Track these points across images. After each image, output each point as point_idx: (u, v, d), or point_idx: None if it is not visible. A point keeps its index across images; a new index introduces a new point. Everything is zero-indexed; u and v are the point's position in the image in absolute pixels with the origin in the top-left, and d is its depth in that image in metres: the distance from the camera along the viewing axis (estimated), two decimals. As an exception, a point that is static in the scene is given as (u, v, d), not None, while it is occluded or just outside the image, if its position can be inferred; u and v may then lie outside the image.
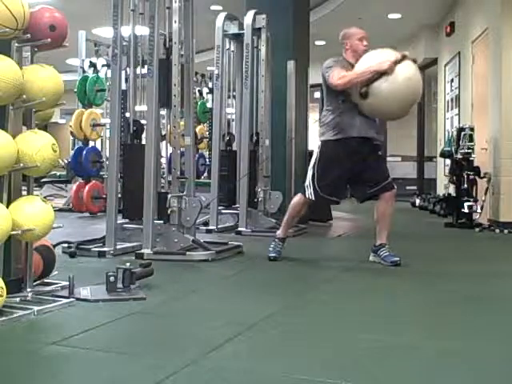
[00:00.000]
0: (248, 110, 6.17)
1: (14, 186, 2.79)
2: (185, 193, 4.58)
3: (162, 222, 4.50)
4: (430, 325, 2.71)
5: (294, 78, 6.78)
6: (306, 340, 2.44)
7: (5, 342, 2.35)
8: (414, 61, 4.13)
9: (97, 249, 4.42)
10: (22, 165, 2.66)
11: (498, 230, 6.36)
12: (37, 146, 2.69)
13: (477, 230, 6.51)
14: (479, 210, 6.88)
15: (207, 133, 9.18)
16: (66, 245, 4.46)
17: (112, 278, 3.08)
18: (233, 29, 6.51)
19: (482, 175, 6.89)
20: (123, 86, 4.88)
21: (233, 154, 6.45)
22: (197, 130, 8.26)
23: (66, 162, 9.09)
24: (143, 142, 4.68)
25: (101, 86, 7.69)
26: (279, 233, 4.49)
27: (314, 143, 9.49)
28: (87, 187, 7.60)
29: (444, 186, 8.71)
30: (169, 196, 4.50)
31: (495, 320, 2.81)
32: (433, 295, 3.33)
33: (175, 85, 4.54)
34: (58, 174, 10.22)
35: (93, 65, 7.88)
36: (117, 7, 4.52)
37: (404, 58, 4.02)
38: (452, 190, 7.57)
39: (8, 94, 2.59)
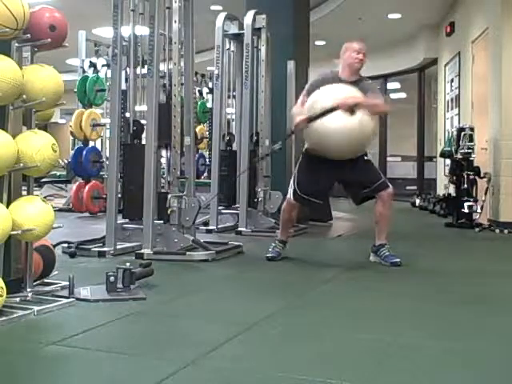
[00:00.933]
0: (248, 110, 6.17)
1: (14, 186, 2.79)
2: (185, 193, 4.58)
3: (161, 221, 4.50)
4: (430, 325, 2.71)
5: (293, 78, 6.78)
6: (306, 340, 2.44)
7: (5, 342, 2.35)
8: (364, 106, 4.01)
9: (97, 249, 4.42)
10: (21, 165, 2.65)
11: (498, 230, 6.36)
12: (37, 146, 2.69)
13: (477, 229, 6.51)
14: (479, 210, 6.88)
15: (207, 133, 9.18)
16: (66, 245, 4.46)
17: (112, 278, 3.08)
18: (233, 29, 6.51)
19: (482, 175, 6.89)
20: (123, 86, 4.88)
21: (233, 154, 6.45)
22: (197, 130, 8.26)
23: (66, 162, 9.09)
24: (143, 141, 4.68)
25: (101, 86, 7.70)
26: (279, 235, 4.50)
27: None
28: (87, 187, 7.59)
29: (444, 186, 8.71)
30: (169, 196, 4.50)
31: (495, 320, 2.81)
32: (433, 295, 3.33)
33: (175, 85, 4.54)
34: (58, 173, 10.21)
35: (93, 65, 7.88)
36: (117, 7, 4.52)
37: (335, 109, 3.93)
38: (452, 189, 7.57)
39: (8, 94, 2.59)
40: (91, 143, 8.01)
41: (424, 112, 12.29)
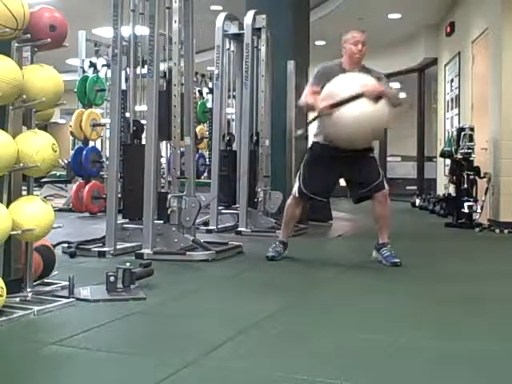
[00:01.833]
0: (248, 110, 6.17)
1: (14, 186, 2.79)
2: (185, 193, 4.58)
3: (161, 221, 4.50)
4: (429, 325, 2.71)
5: (293, 78, 6.78)
6: (306, 340, 2.44)
7: (5, 342, 2.35)
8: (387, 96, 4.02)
9: (97, 249, 4.42)
10: (22, 165, 2.65)
11: (498, 230, 6.35)
12: (37, 146, 2.69)
13: (477, 229, 6.51)
14: (479, 210, 6.88)
15: (207, 133, 9.18)
16: (66, 245, 4.46)
17: (112, 278, 3.08)
18: (233, 29, 6.51)
19: (482, 175, 6.89)
20: (123, 86, 4.88)
21: (233, 154, 6.45)
22: (197, 130, 8.26)
23: (66, 161, 9.09)
24: (143, 141, 4.68)
25: (101, 86, 7.70)
26: (280, 236, 4.51)
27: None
28: (87, 187, 7.60)
29: (444, 186, 8.71)
30: (169, 196, 4.49)
31: (495, 320, 2.81)
32: (433, 295, 3.33)
33: (175, 85, 4.54)
34: (58, 173, 10.22)
35: (93, 65, 7.88)
36: (117, 7, 4.52)
37: (360, 96, 3.91)
38: (452, 189, 7.57)
39: (8, 93, 2.59)
40: (91, 143, 8.02)
41: (424, 112, 12.29)
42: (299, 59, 6.90)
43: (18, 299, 2.76)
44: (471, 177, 6.91)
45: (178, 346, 2.33)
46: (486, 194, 6.90)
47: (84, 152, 7.60)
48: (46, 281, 3.15)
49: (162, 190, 4.83)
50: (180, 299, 3.16)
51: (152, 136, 4.43)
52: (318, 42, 10.67)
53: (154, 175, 4.40)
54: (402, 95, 14.31)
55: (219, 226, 6.11)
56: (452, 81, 9.74)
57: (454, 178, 7.21)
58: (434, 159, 11.13)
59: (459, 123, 8.29)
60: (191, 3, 4.71)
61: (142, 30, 4.75)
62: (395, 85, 13.63)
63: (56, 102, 2.88)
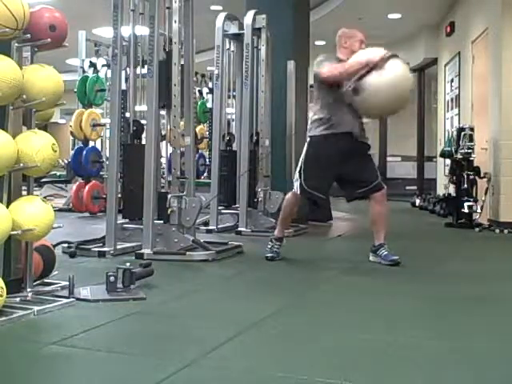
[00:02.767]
0: (248, 110, 6.17)
1: (14, 186, 2.79)
2: (185, 193, 4.58)
3: (162, 221, 4.50)
4: (430, 325, 2.71)
5: (293, 78, 6.78)
6: (306, 340, 2.44)
7: (5, 342, 2.35)
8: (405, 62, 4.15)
9: (97, 249, 4.42)
10: (22, 165, 2.65)
11: (497, 230, 6.35)
12: (37, 146, 2.69)
13: (477, 229, 6.51)
14: (479, 210, 6.88)
15: (207, 133, 9.18)
16: (66, 245, 4.46)
17: (112, 278, 3.08)
18: (233, 29, 6.51)
19: (482, 175, 6.89)
20: (123, 86, 4.88)
21: (233, 154, 6.45)
22: (197, 130, 8.26)
23: (66, 162, 9.10)
24: (143, 141, 4.68)
25: (101, 86, 7.70)
26: (275, 232, 4.50)
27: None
28: (87, 187, 7.59)
29: (444, 186, 8.71)
30: (169, 196, 4.49)
31: (495, 320, 2.81)
32: (433, 295, 3.33)
33: (175, 85, 4.54)
34: (58, 173, 10.22)
35: (93, 65, 7.88)
36: (117, 7, 4.52)
37: (393, 56, 4.05)
38: (452, 189, 7.56)
39: (8, 94, 2.59)
40: (91, 143, 8.01)
41: (424, 112, 12.29)
42: (299, 59, 6.90)
43: (18, 299, 2.76)
44: (471, 177, 6.91)
45: (178, 346, 2.33)
46: (486, 194, 6.90)
47: (84, 152, 7.59)
48: (46, 281, 3.15)
49: (162, 190, 4.83)
50: (180, 299, 3.16)
51: (152, 136, 4.43)
52: (317, 42, 10.65)
53: (153, 175, 4.40)
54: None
55: (219, 226, 6.11)
56: (452, 81, 9.74)
57: (454, 178, 7.20)
58: (434, 159, 11.13)
59: (459, 123, 8.28)
60: (191, 3, 4.71)
61: (142, 30, 4.75)
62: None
63: (56, 102, 2.88)
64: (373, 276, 3.91)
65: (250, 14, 6.26)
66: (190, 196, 4.58)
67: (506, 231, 6.27)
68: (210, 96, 9.08)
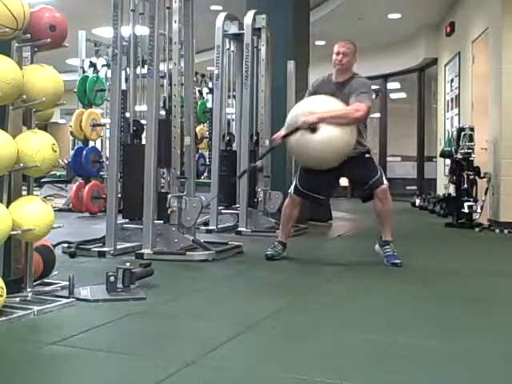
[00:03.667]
0: (248, 110, 6.17)
1: (14, 186, 2.79)
2: (185, 193, 4.58)
3: (162, 221, 4.50)
4: (430, 325, 2.71)
5: (293, 78, 6.77)
6: (306, 340, 2.44)
7: (5, 342, 2.35)
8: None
9: (97, 249, 4.42)
10: (22, 165, 2.65)
11: (497, 230, 6.36)
12: (37, 146, 2.69)
13: (477, 229, 6.51)
14: (479, 210, 6.88)
15: (207, 133, 9.18)
16: (66, 245, 4.46)
17: (112, 278, 3.08)
18: (233, 29, 6.51)
19: (482, 175, 6.89)
20: (123, 86, 4.88)
21: (233, 154, 6.45)
22: (197, 130, 8.26)
23: (66, 161, 9.09)
24: (143, 141, 4.68)
25: (101, 86, 7.70)
26: (279, 237, 4.51)
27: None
28: (87, 187, 7.59)
29: (444, 186, 8.71)
30: (169, 196, 4.50)
31: (495, 320, 2.82)
32: (433, 295, 3.34)
33: (175, 85, 4.54)
34: (58, 173, 10.22)
35: (93, 65, 7.88)
36: (117, 7, 4.52)
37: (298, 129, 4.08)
38: (452, 190, 7.57)
39: (8, 94, 2.59)
40: (91, 143, 8.01)
41: (424, 112, 12.29)
42: (299, 59, 6.90)
43: (18, 299, 2.76)
44: (471, 177, 6.91)
45: (178, 346, 2.33)
46: (486, 194, 6.90)
47: (84, 152, 7.59)
48: (46, 281, 3.15)
49: (162, 190, 4.83)
50: (180, 299, 3.16)
51: (152, 136, 4.43)
52: (318, 42, 10.66)
53: (153, 175, 4.40)
54: (402, 95, 14.37)
55: (219, 226, 6.11)
56: (452, 81, 9.74)
57: (454, 178, 7.21)
58: (434, 159, 11.13)
59: (459, 123, 8.29)
60: (191, 3, 4.71)
61: (142, 30, 4.75)
62: (395, 85, 13.69)
63: (56, 102, 2.88)
64: (373, 276, 3.91)
65: (250, 14, 6.26)
66: (190, 196, 4.58)
67: (506, 231, 6.27)
68: (210, 96, 9.08)
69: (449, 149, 7.51)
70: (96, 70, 7.84)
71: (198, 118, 8.85)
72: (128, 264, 3.19)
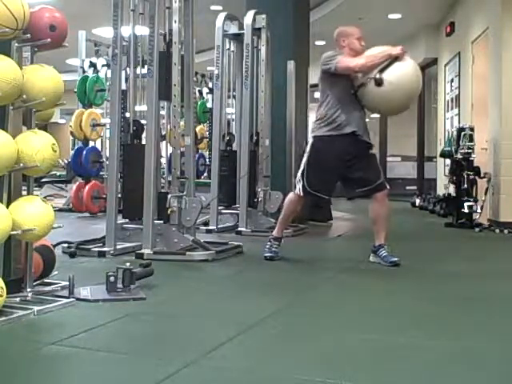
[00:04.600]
0: (248, 110, 6.17)
1: (14, 186, 2.79)
2: (185, 193, 4.58)
3: (162, 221, 4.50)
4: (429, 325, 2.71)
5: (293, 78, 6.78)
6: (306, 340, 2.44)
7: (5, 342, 2.35)
8: None
9: (97, 249, 4.42)
10: (22, 165, 2.65)
11: (498, 230, 6.35)
12: (37, 146, 2.69)
13: (477, 229, 6.51)
14: (479, 210, 6.88)
15: (207, 133, 9.18)
16: (66, 245, 4.46)
17: (112, 278, 3.08)
18: (233, 29, 6.51)
19: (482, 175, 6.89)
20: (123, 86, 4.88)
21: (233, 154, 6.45)
22: (197, 129, 8.26)
23: (66, 161, 9.10)
24: (143, 141, 4.68)
25: (101, 86, 7.70)
26: (274, 232, 4.49)
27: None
28: (87, 187, 7.59)
29: (444, 186, 8.70)
30: (169, 196, 4.50)
31: (495, 320, 2.81)
32: (433, 295, 3.34)
33: (175, 85, 4.54)
34: (58, 173, 10.22)
35: (93, 65, 7.88)
36: (117, 7, 4.52)
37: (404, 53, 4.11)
38: (452, 189, 7.57)
39: (8, 94, 2.59)
40: (91, 143, 8.01)
41: (424, 112, 12.29)
42: (299, 59, 6.90)
43: (18, 299, 2.76)
44: (471, 177, 6.91)
45: (178, 346, 2.33)
46: (486, 194, 6.90)
47: (84, 152, 7.60)
48: (46, 281, 3.15)
49: (162, 190, 4.83)
50: (180, 299, 3.16)
51: (152, 136, 4.43)
52: (318, 42, 10.65)
53: (153, 175, 4.40)
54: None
55: (219, 226, 6.11)
56: (452, 81, 9.74)
57: (454, 178, 7.21)
58: (434, 159, 11.13)
59: (459, 123, 8.28)
60: (191, 3, 4.71)
61: (142, 30, 4.74)
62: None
63: (56, 102, 2.88)
64: (373, 276, 3.91)
65: (250, 14, 6.26)
66: (190, 196, 4.58)
67: (506, 231, 6.27)
68: (210, 96, 9.08)
69: (449, 149, 7.51)
70: (96, 70, 7.84)
71: (198, 118, 8.86)
72: (128, 264, 3.19)
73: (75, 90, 7.69)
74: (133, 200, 4.69)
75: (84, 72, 7.93)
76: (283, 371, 2.04)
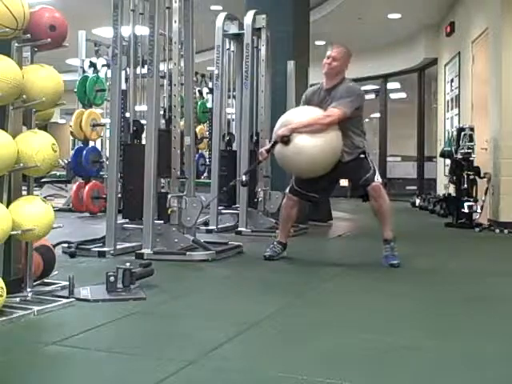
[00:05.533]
0: (248, 110, 6.17)
1: (14, 186, 2.79)
2: (185, 193, 4.58)
3: (162, 221, 4.50)
4: (429, 325, 2.71)
5: (293, 78, 6.77)
6: (306, 340, 2.44)
7: (5, 342, 2.35)
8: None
9: (97, 249, 4.42)
10: (21, 165, 2.65)
11: (498, 230, 6.36)
12: (37, 146, 2.69)
13: (477, 229, 6.51)
14: (479, 210, 6.89)
15: (207, 133, 9.18)
16: (66, 245, 4.46)
17: (112, 278, 3.08)
18: (233, 29, 6.51)
19: (482, 175, 6.89)
20: (123, 86, 4.88)
21: (233, 154, 6.45)
22: (197, 130, 8.26)
23: (66, 161, 9.10)
24: (143, 141, 4.68)
25: (101, 86, 7.69)
26: (278, 237, 4.50)
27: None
28: (87, 187, 7.59)
29: (444, 186, 8.71)
30: (169, 196, 4.50)
31: (495, 320, 2.82)
32: (433, 295, 3.34)
33: (175, 85, 4.54)
34: (58, 173, 10.21)
35: (93, 65, 7.88)
36: (117, 7, 4.52)
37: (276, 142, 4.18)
38: (452, 190, 7.57)
39: (8, 93, 2.59)
40: (91, 143, 8.01)
41: (424, 112, 12.30)
42: (299, 59, 6.90)
43: (18, 299, 2.76)
44: (471, 177, 6.91)
45: (178, 346, 2.33)
46: (485, 194, 6.90)
47: (84, 152, 7.59)
48: (46, 281, 3.15)
49: (162, 190, 4.83)
50: (180, 299, 3.16)
51: (152, 136, 4.43)
52: (317, 42, 10.66)
53: (154, 175, 4.40)
54: (402, 95, 14.37)
55: (219, 226, 6.11)
56: (452, 81, 9.74)
57: (454, 177, 7.21)
58: (434, 159, 11.13)
59: (459, 123, 8.29)
60: (191, 3, 4.72)
61: (142, 30, 4.74)
62: (395, 85, 13.68)
63: (56, 102, 2.88)
64: (373, 276, 3.91)
65: (250, 14, 6.26)
66: (190, 196, 4.58)
67: (506, 231, 6.27)
68: (210, 96, 9.08)
69: (449, 149, 7.51)
70: (96, 70, 7.84)
71: (198, 118, 8.86)
72: (128, 264, 3.19)
73: (75, 89, 7.69)
74: (133, 200, 4.69)
75: (84, 72, 7.92)
76: (283, 371, 2.04)
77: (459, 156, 7.01)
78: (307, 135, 4.07)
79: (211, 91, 8.22)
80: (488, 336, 2.53)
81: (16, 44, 2.79)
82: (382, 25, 10.53)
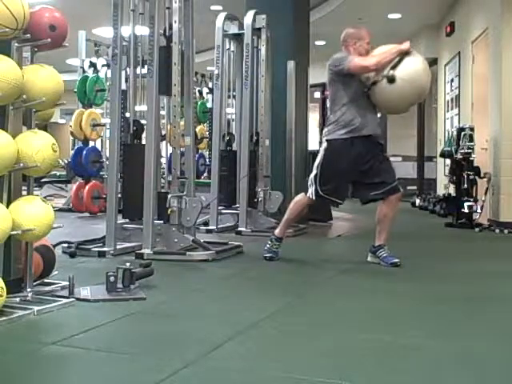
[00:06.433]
0: (248, 110, 6.17)
1: (14, 186, 2.79)
2: (185, 193, 4.58)
3: (161, 221, 4.50)
4: (430, 325, 2.71)
5: (293, 78, 6.78)
6: (306, 340, 2.44)
7: (5, 342, 2.35)
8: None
9: (97, 249, 4.42)
10: (22, 165, 2.66)
11: (498, 230, 6.35)
12: (37, 146, 2.69)
13: (477, 229, 6.51)
14: (479, 210, 6.88)
15: (207, 133, 9.18)
16: (66, 245, 4.46)
17: (112, 278, 3.08)
18: (233, 29, 6.51)
19: (482, 175, 6.89)
20: (123, 86, 4.88)
21: (233, 154, 6.45)
22: (197, 129, 8.26)
23: (66, 161, 9.10)
24: (143, 141, 4.68)
25: (101, 86, 7.70)
26: (277, 232, 4.47)
27: (313, 143, 9.49)
28: (87, 187, 7.60)
29: (444, 186, 8.71)
30: (169, 196, 4.50)
31: (495, 320, 2.81)
32: (433, 295, 3.33)
33: (175, 85, 4.54)
34: (58, 174, 10.22)
35: (93, 65, 7.88)
36: (117, 7, 4.52)
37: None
38: (452, 190, 7.57)
39: (8, 94, 2.60)
40: (91, 143, 8.02)
41: (424, 112, 12.29)
42: (299, 59, 6.90)
43: (18, 299, 2.76)
44: (471, 177, 6.91)
45: (178, 346, 2.33)
46: (485, 194, 6.90)
47: (84, 152, 7.60)
48: (46, 281, 3.15)
49: (162, 190, 4.83)
50: (180, 299, 3.16)
51: (152, 136, 4.43)
52: (317, 42, 10.67)
53: (153, 175, 4.40)
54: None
55: (219, 226, 6.11)
56: (452, 81, 9.74)
57: (454, 178, 7.21)
58: (434, 159, 11.13)
59: (459, 123, 8.28)
60: (191, 3, 4.72)
61: (142, 30, 4.75)
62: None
63: (56, 102, 2.88)
64: (373, 276, 3.91)
65: (250, 14, 6.26)
66: (190, 196, 4.58)
67: (506, 231, 6.27)
68: (210, 96, 9.09)
69: (449, 149, 7.51)
70: (96, 70, 7.85)
71: (198, 118, 8.86)
72: (128, 264, 3.19)
73: (75, 89, 7.69)
74: (133, 200, 4.69)
75: (84, 72, 7.93)
76: (283, 371, 2.04)
77: (459, 156, 7.00)
78: (408, 64, 4.04)
79: (211, 91, 8.22)
80: (488, 336, 2.53)
81: (16, 44, 2.79)
82: (381, 25, 10.51)
